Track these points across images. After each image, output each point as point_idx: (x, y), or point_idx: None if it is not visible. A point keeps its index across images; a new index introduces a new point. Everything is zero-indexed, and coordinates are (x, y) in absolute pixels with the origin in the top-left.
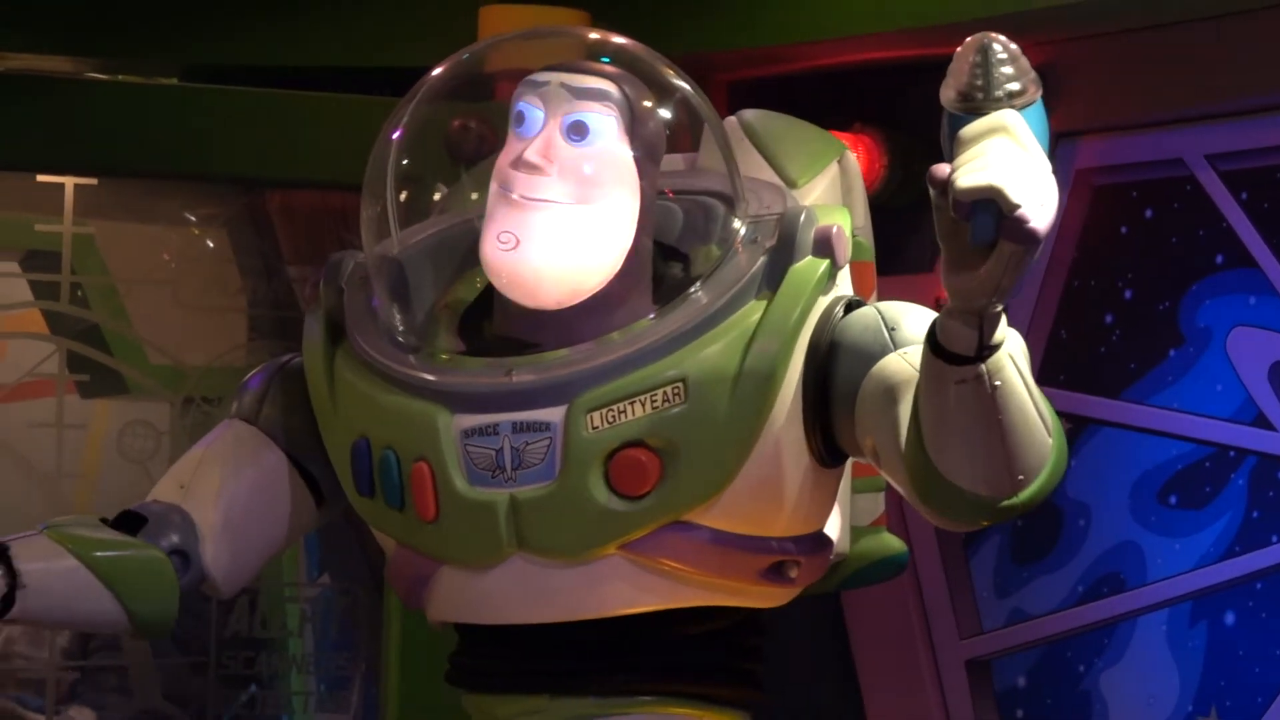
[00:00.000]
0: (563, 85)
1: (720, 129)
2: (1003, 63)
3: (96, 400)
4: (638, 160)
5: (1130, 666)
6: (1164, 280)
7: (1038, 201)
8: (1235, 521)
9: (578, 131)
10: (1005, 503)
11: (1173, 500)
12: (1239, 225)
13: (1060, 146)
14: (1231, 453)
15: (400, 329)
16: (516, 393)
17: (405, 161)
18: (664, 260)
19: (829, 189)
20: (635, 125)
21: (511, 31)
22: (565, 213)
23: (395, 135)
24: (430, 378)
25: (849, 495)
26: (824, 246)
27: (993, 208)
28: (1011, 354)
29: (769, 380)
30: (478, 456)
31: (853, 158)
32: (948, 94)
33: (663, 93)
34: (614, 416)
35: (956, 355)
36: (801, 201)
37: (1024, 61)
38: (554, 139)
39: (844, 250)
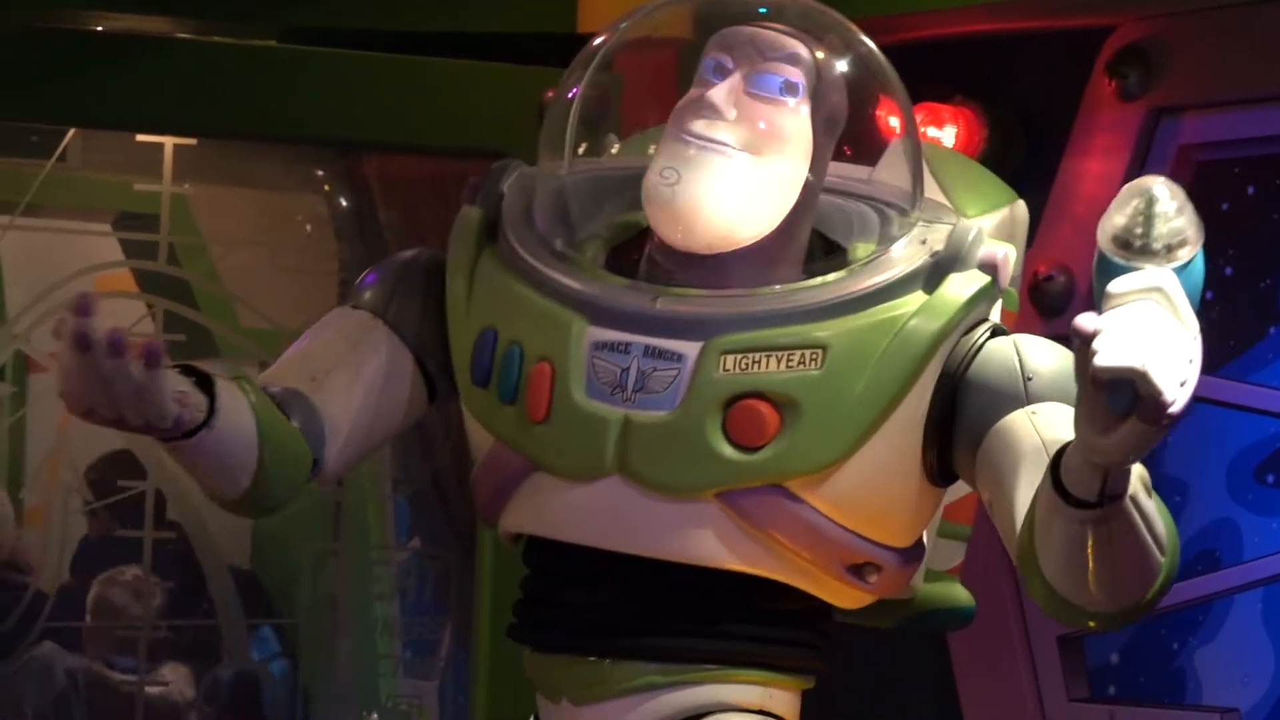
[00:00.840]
0: (755, 40)
1: (910, 112)
2: (1166, 216)
3: None
4: (815, 126)
5: (1224, 645)
6: (1265, 257)
7: (1178, 382)
8: None
9: (762, 86)
10: (1100, 620)
11: (1270, 479)
12: None
13: (1163, 122)
14: None
15: (554, 241)
16: (657, 319)
17: (581, 121)
18: (823, 248)
19: (997, 230)
20: (820, 90)
21: None
22: (734, 158)
23: (572, 94)
24: (574, 285)
25: (934, 536)
26: (989, 267)
27: (1131, 385)
28: (1134, 495)
29: (909, 370)
30: (602, 370)
31: (1024, 208)
32: (1104, 234)
33: (853, 66)
34: (747, 364)
35: (1076, 499)
36: None
37: (1189, 210)
38: (738, 88)
39: (1006, 276)
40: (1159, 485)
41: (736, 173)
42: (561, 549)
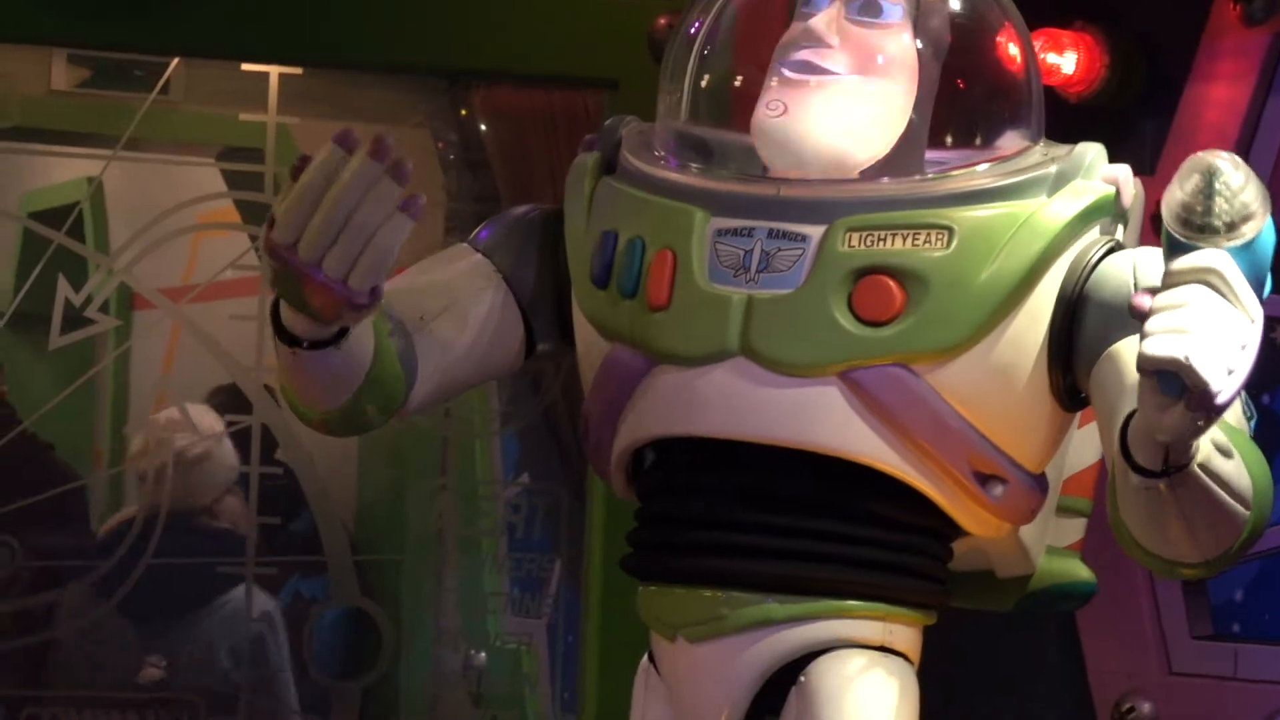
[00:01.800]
0: None
1: (1028, 38)
2: (1226, 193)
3: None
4: (920, 50)
5: None
6: None
7: (1224, 371)
8: None
9: (861, 10)
10: (1190, 569)
11: None
12: None
13: None
14: None
15: (676, 161)
16: (782, 203)
17: (705, 54)
18: None
19: None
20: (920, 16)
21: None
22: (840, 83)
23: (694, 29)
24: (698, 183)
25: (1054, 509)
26: (1111, 181)
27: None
28: (1204, 463)
29: (1031, 264)
30: (725, 255)
31: (1141, 191)
32: (1167, 210)
33: None
34: (872, 240)
35: (1140, 466)
36: None
37: (1253, 185)
38: (838, 15)
39: (1129, 194)
40: None
41: (844, 97)
42: (678, 461)
